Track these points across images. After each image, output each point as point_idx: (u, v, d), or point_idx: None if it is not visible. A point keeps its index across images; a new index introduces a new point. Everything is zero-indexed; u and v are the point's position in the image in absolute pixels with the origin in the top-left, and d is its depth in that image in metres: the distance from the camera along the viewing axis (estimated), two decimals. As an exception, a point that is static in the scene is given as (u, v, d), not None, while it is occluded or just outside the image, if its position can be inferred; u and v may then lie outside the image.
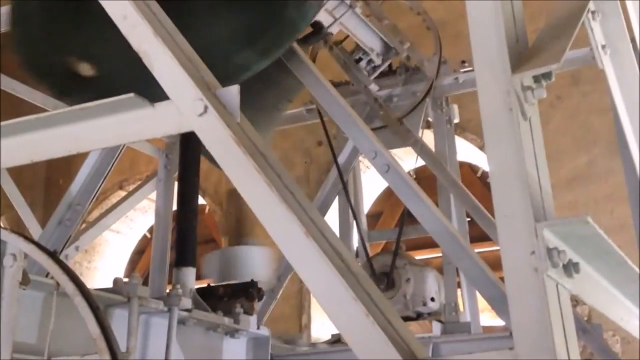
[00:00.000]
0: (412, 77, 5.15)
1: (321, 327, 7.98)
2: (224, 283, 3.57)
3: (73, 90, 3.19)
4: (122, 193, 8.85)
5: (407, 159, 6.18)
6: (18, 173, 5.63)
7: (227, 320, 3.25)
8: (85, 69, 3.10)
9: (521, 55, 1.65)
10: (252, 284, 3.54)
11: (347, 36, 4.78)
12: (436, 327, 4.45)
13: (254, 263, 3.79)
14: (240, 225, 4.38)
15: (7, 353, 2.04)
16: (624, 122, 2.40)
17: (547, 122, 1.89)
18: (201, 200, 7.63)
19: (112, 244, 9.95)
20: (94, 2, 2.07)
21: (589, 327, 4.52)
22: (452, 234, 3.50)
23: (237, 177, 1.74)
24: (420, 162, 4.93)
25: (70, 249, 3.91)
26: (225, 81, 1.95)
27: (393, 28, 4.95)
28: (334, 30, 4.34)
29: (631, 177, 2.76)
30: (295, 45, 3.88)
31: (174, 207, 3.84)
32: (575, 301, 1.54)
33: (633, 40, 2.38)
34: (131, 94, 1.88)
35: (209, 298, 3.30)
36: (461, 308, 4.88)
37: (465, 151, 7.38)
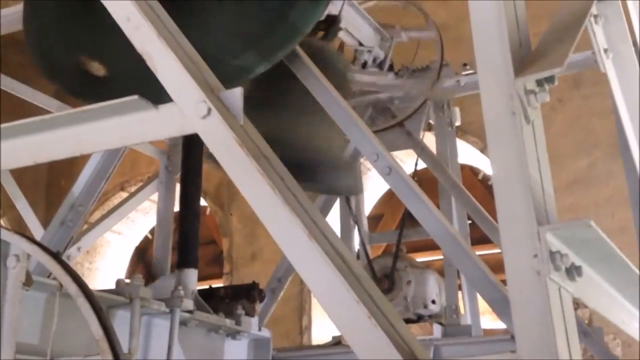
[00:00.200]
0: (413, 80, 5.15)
1: (322, 329, 7.98)
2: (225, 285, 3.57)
3: (87, 90, 3.19)
4: (124, 194, 8.85)
5: (409, 162, 6.18)
6: (20, 174, 5.63)
7: (228, 322, 3.25)
8: (97, 69, 3.11)
9: (524, 59, 1.66)
10: (254, 286, 3.54)
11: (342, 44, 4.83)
12: (437, 330, 4.45)
13: None
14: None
15: (9, 354, 2.04)
16: (625, 125, 2.40)
17: (549, 125, 1.91)
18: (202, 202, 7.65)
19: (113, 245, 9.96)
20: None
21: (590, 330, 4.52)
22: (454, 237, 3.49)
23: (240, 179, 1.75)
24: (422, 165, 4.93)
25: (72, 249, 3.91)
26: (225, 84, 1.96)
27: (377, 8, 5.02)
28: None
29: (632, 180, 2.77)
30: (296, 47, 3.89)
31: (175, 209, 3.85)
32: (576, 304, 1.54)
33: (635, 44, 2.39)
34: (135, 96, 1.88)
35: (211, 299, 3.30)
36: (462, 311, 4.88)
37: (467, 154, 7.39)
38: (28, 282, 2.15)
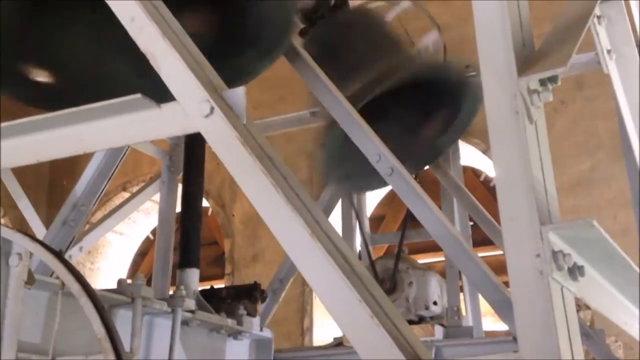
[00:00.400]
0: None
1: (323, 331, 7.98)
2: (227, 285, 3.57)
3: (37, 98, 3.16)
4: (126, 194, 8.86)
5: (411, 163, 6.18)
6: (22, 174, 5.64)
7: (230, 322, 3.25)
8: (43, 75, 3.09)
9: (527, 58, 1.66)
10: (255, 286, 3.55)
11: None
12: (438, 331, 4.45)
13: None
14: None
15: (11, 352, 2.04)
16: (628, 126, 2.40)
17: (551, 126, 1.91)
18: (204, 203, 7.65)
19: (115, 246, 9.96)
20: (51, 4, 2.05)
21: (592, 332, 4.52)
22: (456, 238, 3.49)
23: (242, 178, 1.75)
24: (424, 166, 4.94)
25: (74, 249, 3.92)
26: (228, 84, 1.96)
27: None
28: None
29: (635, 182, 2.77)
30: (298, 46, 3.90)
31: (177, 209, 3.85)
32: (578, 306, 1.54)
33: (638, 45, 2.39)
34: (138, 95, 1.88)
35: (212, 299, 3.31)
36: (463, 312, 4.88)
37: (469, 155, 7.39)
38: (30, 280, 2.15)
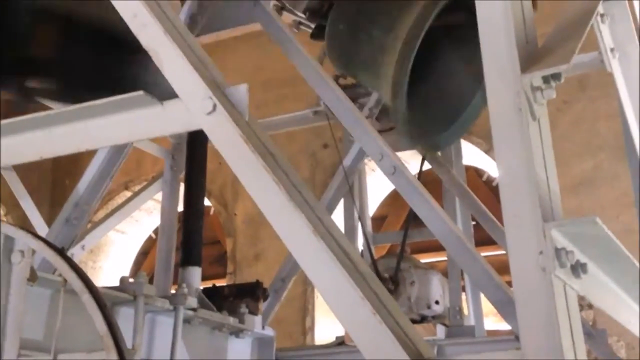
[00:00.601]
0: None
1: (325, 330, 7.98)
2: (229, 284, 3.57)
3: None
4: (128, 193, 8.87)
5: (413, 162, 6.18)
6: (25, 172, 5.65)
7: (232, 320, 3.25)
8: None
9: (531, 56, 1.65)
10: (257, 284, 3.54)
11: None
12: (440, 331, 4.44)
13: None
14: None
15: (14, 349, 2.04)
16: (631, 126, 2.40)
17: (554, 126, 1.90)
18: (206, 202, 7.65)
19: (117, 245, 9.97)
20: None
21: (594, 332, 4.51)
22: (458, 237, 3.49)
23: (245, 176, 1.75)
24: (426, 166, 4.93)
25: (77, 248, 3.92)
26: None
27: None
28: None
29: (637, 182, 2.77)
30: (299, 46, 3.90)
31: (180, 208, 3.85)
32: (580, 306, 1.54)
33: (642, 43, 2.38)
34: (140, 92, 1.88)
35: (215, 298, 3.30)
36: (465, 312, 4.88)
37: (471, 155, 7.39)
38: (33, 278, 2.15)
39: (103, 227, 4.35)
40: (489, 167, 8.02)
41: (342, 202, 5.27)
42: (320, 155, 8.25)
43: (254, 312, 3.39)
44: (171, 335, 2.86)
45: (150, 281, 3.35)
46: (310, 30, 4.47)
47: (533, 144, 1.53)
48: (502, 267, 4.01)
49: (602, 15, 2.21)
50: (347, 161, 4.96)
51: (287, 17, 4.49)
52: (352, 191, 5.09)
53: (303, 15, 4.45)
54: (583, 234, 1.46)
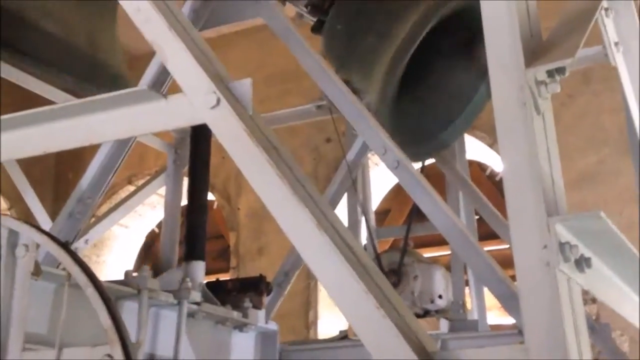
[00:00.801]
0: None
1: (328, 324, 7.98)
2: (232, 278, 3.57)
3: None
4: (131, 188, 8.87)
5: (416, 157, 6.17)
6: (28, 167, 5.64)
7: (235, 314, 3.25)
8: None
9: (535, 50, 1.65)
10: (261, 278, 3.55)
11: None
12: (443, 325, 4.45)
13: None
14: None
15: (18, 343, 2.05)
16: (635, 118, 2.39)
17: (558, 120, 1.89)
18: (209, 196, 7.65)
19: (121, 239, 9.98)
20: None
21: (597, 326, 4.51)
22: (462, 231, 3.49)
23: (248, 170, 1.75)
24: (429, 160, 4.93)
25: (80, 242, 3.92)
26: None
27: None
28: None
29: (639, 176, 2.76)
30: (300, 38, 3.89)
31: (183, 202, 3.85)
32: (584, 300, 1.54)
33: (646, 37, 2.38)
34: (144, 87, 1.89)
35: (218, 292, 3.31)
36: (468, 306, 4.88)
37: (475, 149, 7.38)
38: (37, 272, 2.16)
39: (107, 221, 4.35)
40: (493, 161, 8.01)
41: (345, 196, 5.28)
42: (323, 150, 8.25)
43: (257, 306, 3.40)
44: (175, 329, 2.86)
45: (154, 275, 3.36)
46: (312, 22, 4.48)
47: (537, 138, 1.53)
48: (505, 261, 4.02)
49: (606, 10, 2.21)
50: (350, 155, 4.96)
51: (289, 10, 4.50)
52: (356, 185, 5.10)
53: (305, 9, 4.46)
54: (587, 228, 1.46)
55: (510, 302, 3.28)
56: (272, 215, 1.70)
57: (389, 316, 1.51)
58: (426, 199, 3.54)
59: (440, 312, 4.65)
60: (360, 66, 4.03)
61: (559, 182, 1.58)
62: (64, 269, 2.12)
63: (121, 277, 2.77)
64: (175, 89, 1.94)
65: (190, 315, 3.02)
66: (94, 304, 1.96)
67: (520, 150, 1.51)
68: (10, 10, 3.34)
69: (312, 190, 1.78)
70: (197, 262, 3.26)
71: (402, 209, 10.04)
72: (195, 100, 1.84)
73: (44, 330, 2.38)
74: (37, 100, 3.41)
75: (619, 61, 2.32)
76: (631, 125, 2.48)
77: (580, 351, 1.42)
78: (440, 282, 4.70)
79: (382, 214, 9.87)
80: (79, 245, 3.91)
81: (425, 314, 4.64)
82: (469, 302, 4.92)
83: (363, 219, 5.22)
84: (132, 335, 2.19)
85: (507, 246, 6.41)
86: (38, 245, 2.14)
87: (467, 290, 4.93)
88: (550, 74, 1.56)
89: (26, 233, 2.11)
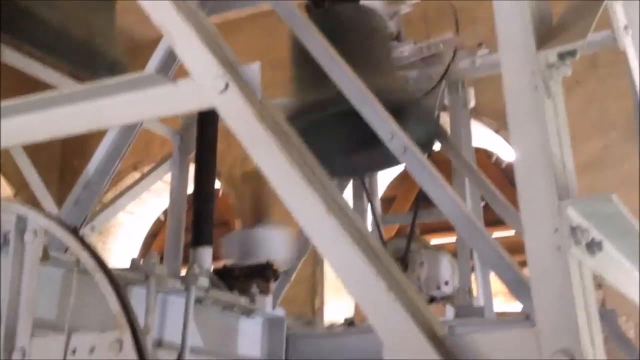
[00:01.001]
0: (428, 60, 5.12)
1: (334, 311, 8.00)
2: (240, 264, 3.57)
3: None
4: (137, 174, 8.88)
5: (422, 143, 6.15)
6: (33, 154, 5.63)
7: (243, 300, 3.25)
8: None
9: (545, 33, 1.64)
10: (268, 264, 3.54)
11: None
12: (450, 311, 4.45)
13: (274, 244, 3.80)
14: (256, 207, 4.41)
15: (27, 329, 2.05)
16: (642, 102, 2.38)
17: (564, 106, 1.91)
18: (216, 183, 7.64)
19: (126, 227, 9.99)
20: None
21: (603, 312, 4.51)
22: (468, 217, 3.49)
23: (258, 154, 1.74)
24: (435, 146, 4.92)
25: (86, 229, 3.93)
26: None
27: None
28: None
29: (644, 161, 2.75)
30: (309, 23, 3.88)
31: (189, 191, 3.85)
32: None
33: (656, 20, 2.36)
34: (152, 71, 1.88)
35: (225, 278, 3.31)
36: (475, 292, 4.88)
37: (481, 136, 7.36)
38: (45, 257, 2.16)
39: (112, 208, 4.35)
40: (499, 147, 7.98)
41: (350, 183, 5.27)
42: (329, 137, 8.23)
43: (264, 292, 3.40)
44: (183, 315, 2.86)
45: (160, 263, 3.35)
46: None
47: (548, 121, 1.52)
48: (511, 247, 4.01)
49: (616, -7, 2.19)
50: (356, 142, 4.94)
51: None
52: (362, 172, 5.09)
53: None
54: (598, 211, 1.46)
55: (518, 287, 3.27)
56: (279, 202, 1.70)
57: (400, 300, 1.51)
58: (433, 184, 3.53)
59: (446, 299, 4.65)
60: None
61: (570, 165, 1.58)
62: (72, 254, 2.12)
63: (127, 264, 2.76)
64: (181, 75, 1.93)
65: (198, 301, 3.02)
66: (102, 290, 1.96)
67: (532, 134, 1.51)
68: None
69: (322, 175, 1.78)
70: (204, 248, 3.26)
71: (407, 197, 10.04)
72: (204, 84, 1.83)
73: (52, 315, 2.38)
74: (35, 86, 3.40)
75: (628, 44, 2.30)
76: (637, 109, 2.47)
77: (592, 335, 1.41)
78: (447, 269, 4.70)
79: (388, 201, 9.86)
80: (85, 232, 3.92)
81: (432, 300, 4.64)
82: (475, 288, 4.91)
83: (369, 206, 5.22)
84: (140, 321, 2.19)
85: (513, 233, 6.41)
86: (46, 231, 2.14)
87: (473, 276, 4.92)
88: (561, 56, 1.55)
89: (34, 218, 2.11)
